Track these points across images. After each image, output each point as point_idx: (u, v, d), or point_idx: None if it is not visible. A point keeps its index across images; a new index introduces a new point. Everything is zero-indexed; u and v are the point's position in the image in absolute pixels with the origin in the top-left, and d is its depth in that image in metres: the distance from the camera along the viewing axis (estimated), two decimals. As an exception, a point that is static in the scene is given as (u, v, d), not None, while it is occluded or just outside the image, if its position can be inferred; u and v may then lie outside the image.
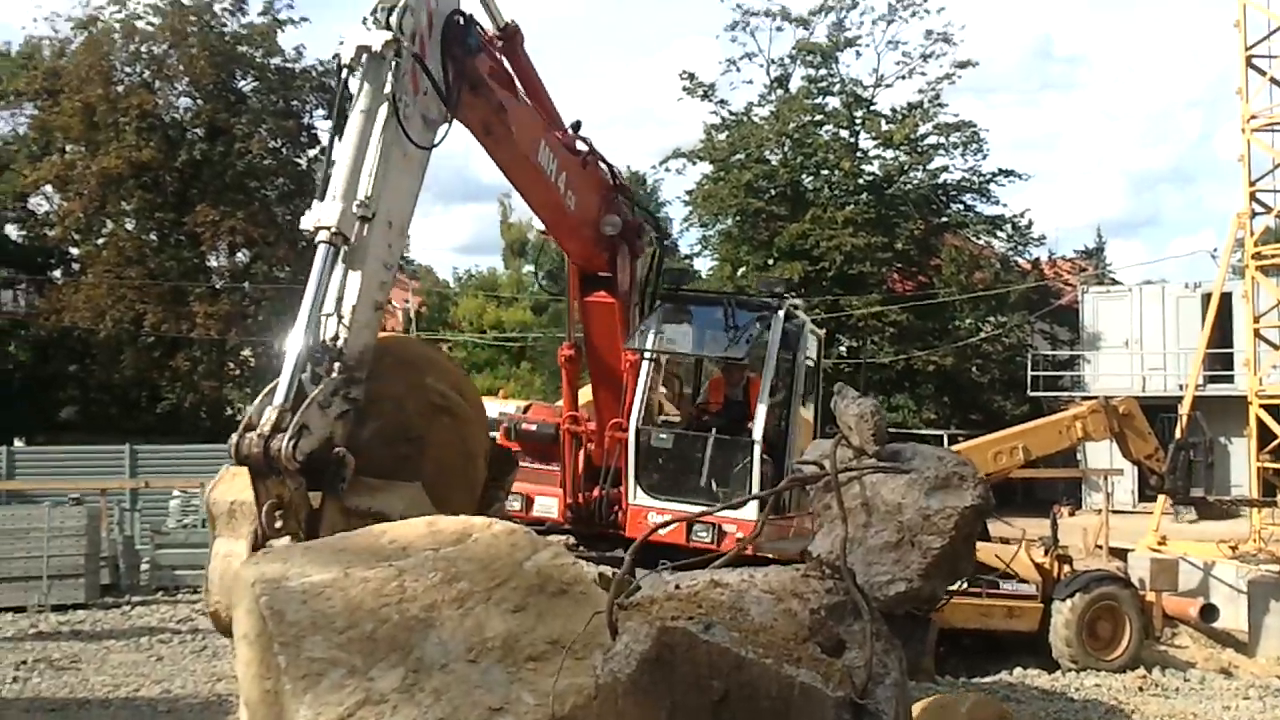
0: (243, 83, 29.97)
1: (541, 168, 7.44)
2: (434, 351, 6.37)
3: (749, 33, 33.58)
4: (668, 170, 36.33)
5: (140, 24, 28.33)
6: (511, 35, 7.30)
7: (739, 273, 33.38)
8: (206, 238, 28.41)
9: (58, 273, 31.83)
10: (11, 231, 32.37)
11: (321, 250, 5.26)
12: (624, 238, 8.88)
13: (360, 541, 5.53)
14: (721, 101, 34.49)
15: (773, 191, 33.33)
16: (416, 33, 5.64)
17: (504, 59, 7.17)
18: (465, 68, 6.10)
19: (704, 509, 9.21)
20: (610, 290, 9.09)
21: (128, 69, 28.87)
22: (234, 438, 5.08)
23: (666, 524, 7.40)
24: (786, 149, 33.64)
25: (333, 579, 5.07)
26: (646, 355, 9.49)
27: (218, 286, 29.25)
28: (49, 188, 30.05)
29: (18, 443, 27.64)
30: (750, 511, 8.87)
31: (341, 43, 5.52)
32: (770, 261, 32.86)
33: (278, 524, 5.07)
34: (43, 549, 14.14)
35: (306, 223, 5.29)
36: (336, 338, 5.22)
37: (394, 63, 5.45)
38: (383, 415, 5.35)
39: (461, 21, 6.03)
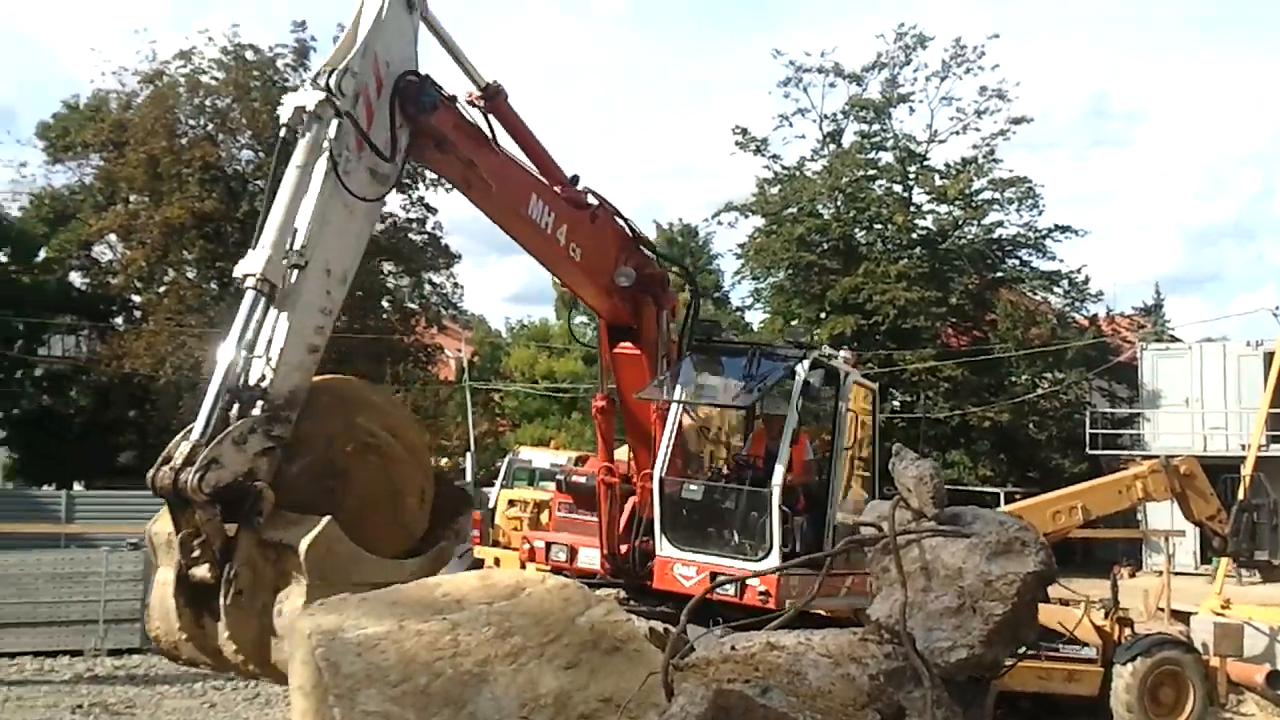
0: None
1: (533, 221, 7.70)
2: (373, 393, 6.41)
3: (802, 89, 33.82)
4: (720, 223, 36.55)
5: (204, 78, 29.06)
6: (494, 94, 7.58)
7: (791, 325, 33.33)
8: (265, 287, 28.85)
9: (120, 320, 32.48)
10: (76, 279, 33.12)
11: (248, 296, 5.57)
12: (646, 289, 9.02)
13: (414, 594, 5.56)
14: (774, 156, 34.69)
15: (825, 245, 33.33)
16: (359, 92, 5.93)
17: (489, 116, 7.49)
18: (421, 124, 6.40)
19: (741, 563, 9.18)
20: (635, 341, 9.27)
21: (192, 122, 29.58)
22: (151, 471, 5.30)
23: (720, 583, 7.38)
24: (839, 203, 33.68)
25: (387, 631, 5.09)
26: (656, 405, 9.59)
27: (275, 335, 29.66)
28: (113, 237, 30.76)
29: (77, 487, 28.10)
30: (772, 563, 8.91)
31: (281, 104, 5.88)
32: (822, 315, 32.80)
33: (194, 553, 5.20)
34: (100, 593, 14.32)
35: (237, 270, 5.57)
36: (263, 378, 5.45)
37: (333, 121, 5.73)
38: (312, 452, 5.53)
39: (416, 80, 6.31)
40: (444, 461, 36.84)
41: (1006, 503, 21.85)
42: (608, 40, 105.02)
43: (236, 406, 5.43)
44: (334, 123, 5.80)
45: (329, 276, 5.87)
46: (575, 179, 8.28)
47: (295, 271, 5.64)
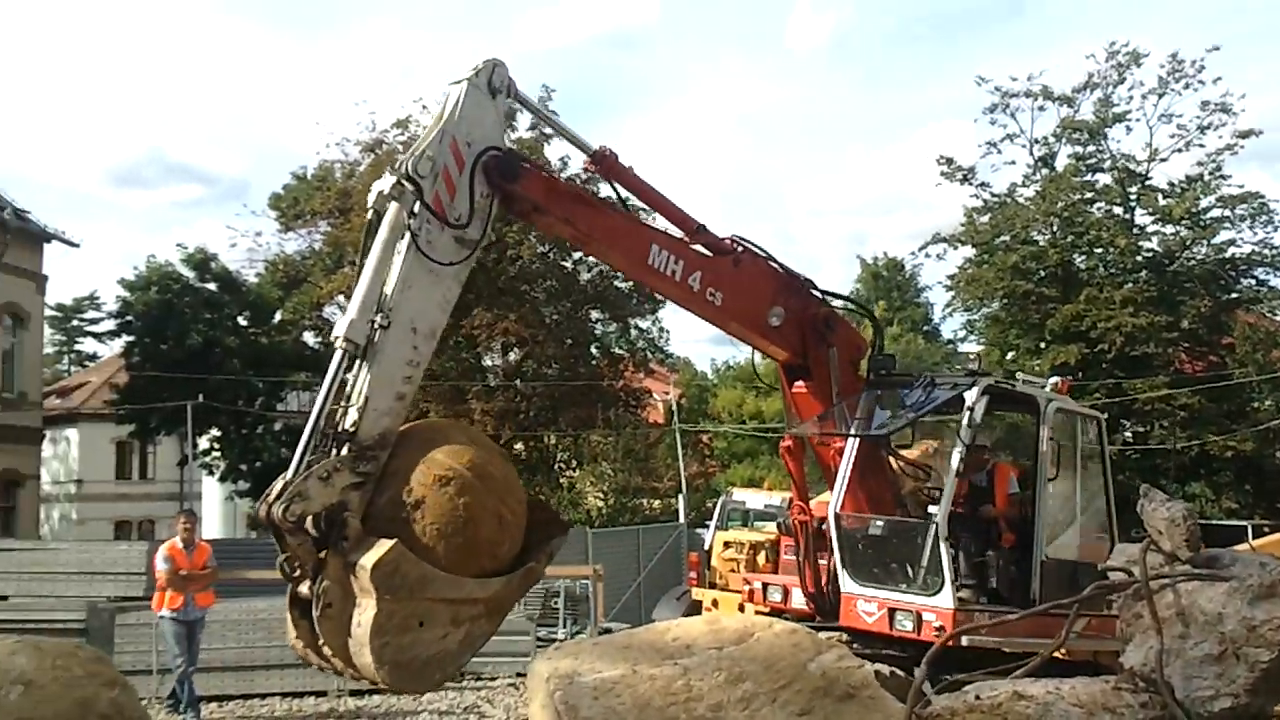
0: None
1: (657, 270, 8.18)
2: (458, 433, 6.84)
3: (1009, 114, 32.84)
4: (927, 255, 35.67)
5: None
6: (602, 159, 8.12)
7: (1008, 357, 32.21)
8: (482, 339, 29.95)
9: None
10: (309, 338, 35.24)
11: (336, 354, 6.31)
12: (810, 329, 9.18)
13: (645, 638, 5.63)
14: (983, 184, 33.74)
15: (1042, 272, 32.15)
16: (437, 172, 6.62)
17: (612, 177, 8.25)
18: (508, 192, 7.08)
19: (920, 598, 9.05)
20: (807, 380, 9.41)
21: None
22: (257, 504, 6.13)
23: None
24: (1055, 228, 32.43)
25: (621, 676, 5.18)
26: (834, 441, 9.71)
27: (493, 384, 30.71)
28: (341, 297, 32.57)
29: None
30: (946, 599, 8.81)
31: (369, 194, 6.71)
32: (1042, 344, 31.59)
33: (294, 573, 6.00)
34: (341, 636, 15.02)
35: (333, 334, 6.33)
36: (353, 423, 6.15)
37: (413, 199, 6.47)
38: (395, 485, 6.09)
39: (498, 153, 6.95)
40: (655, 504, 37.23)
41: (1255, 536, 20.37)
42: (803, 78, 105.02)
43: (326, 448, 6.15)
44: (413, 200, 6.52)
45: (415, 333, 6.48)
46: (701, 227, 8.67)
47: (380, 330, 6.33)
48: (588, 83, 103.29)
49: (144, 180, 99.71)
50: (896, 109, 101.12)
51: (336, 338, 6.36)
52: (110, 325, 44.26)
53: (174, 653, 11.97)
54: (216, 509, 43.82)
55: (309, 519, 5.96)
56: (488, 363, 32.44)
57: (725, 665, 5.29)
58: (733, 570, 16.34)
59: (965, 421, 9.31)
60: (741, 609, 14.17)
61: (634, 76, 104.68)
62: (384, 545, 5.84)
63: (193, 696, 12.25)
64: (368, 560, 5.80)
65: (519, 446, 32.74)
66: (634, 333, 32.90)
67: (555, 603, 18.56)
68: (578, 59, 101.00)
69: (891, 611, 9.07)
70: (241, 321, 37.72)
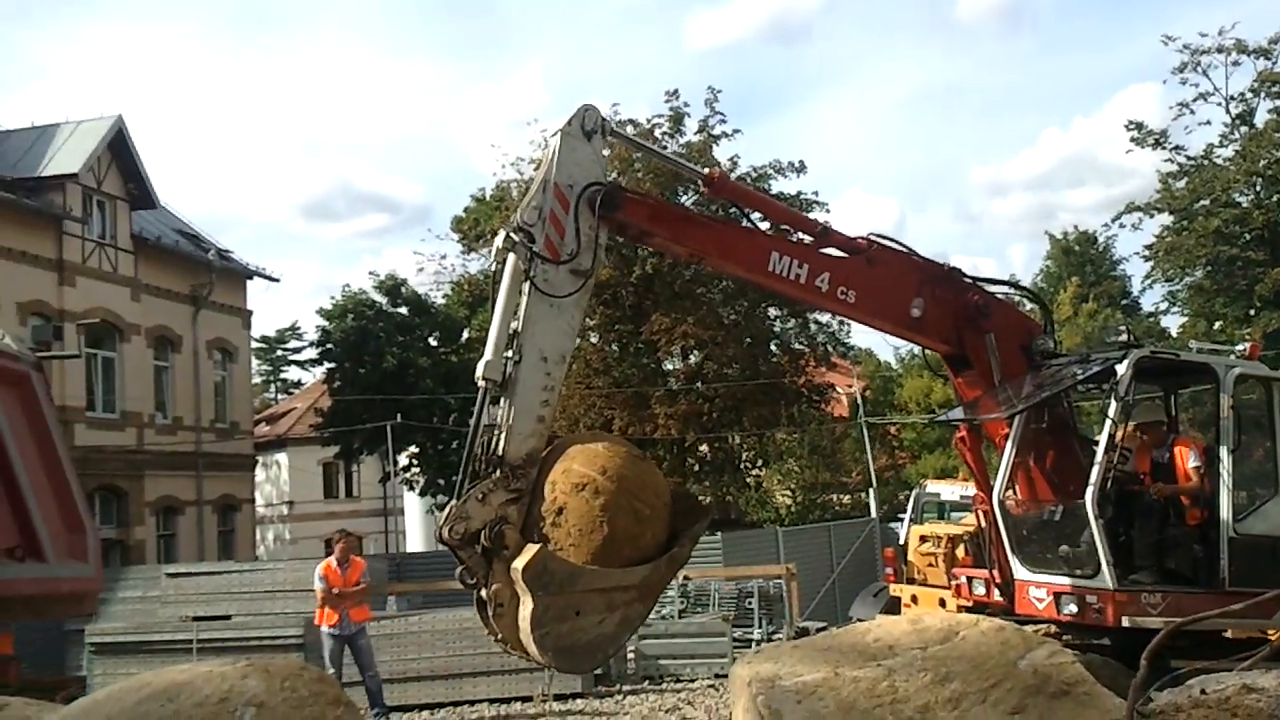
0: (684, 198, 31.86)
1: (781, 275, 8.34)
2: (593, 442, 7.30)
3: (1201, 72, 31.12)
4: (1121, 226, 34.12)
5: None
6: (712, 180, 8.61)
7: (1215, 326, 30.49)
8: (662, 344, 30.14)
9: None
10: (496, 353, 36.16)
11: (480, 392, 6.99)
12: (964, 316, 9.13)
13: (846, 640, 5.54)
14: (1176, 147, 32.08)
15: (1247, 236, 30.32)
16: (545, 218, 7.18)
17: (725, 197, 8.92)
18: (613, 221, 7.52)
19: (1082, 581, 8.84)
20: (968, 369, 9.35)
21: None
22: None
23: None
24: (1259, 189, 30.55)
25: (823, 679, 5.10)
26: (1001, 426, 9.60)
27: (675, 388, 30.88)
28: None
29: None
30: (1105, 580, 8.63)
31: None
32: (1251, 312, 29.78)
33: (470, 581, 6.78)
34: (542, 642, 15.35)
35: (475, 374, 7.00)
36: (502, 448, 6.83)
37: (524, 249, 7.06)
38: (544, 496, 6.79)
39: (598, 187, 7.39)
40: (845, 499, 36.70)
41: None
42: (974, 53, 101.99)
43: (483, 473, 6.85)
44: (525, 249, 7.11)
45: (545, 361, 7.06)
46: (826, 229, 8.86)
47: (514, 365, 6.98)
48: (755, 78, 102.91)
49: (334, 213, 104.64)
50: (1077, 76, 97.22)
51: (478, 378, 7.04)
52: (312, 353, 46.71)
53: (328, 667, 12.51)
54: (418, 523, 45.44)
55: (475, 534, 6.72)
56: (668, 367, 32.62)
57: (931, 665, 5.16)
58: (930, 565, 15.94)
59: (1114, 395, 9.02)
60: (942, 604, 13.84)
61: (801, 67, 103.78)
62: (531, 549, 6.57)
63: (379, 700, 12.92)
64: (519, 563, 6.53)
65: (703, 448, 32.81)
66: (813, 327, 32.52)
67: (750, 603, 18.48)
68: (745, 55, 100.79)
69: (1057, 596, 9.00)
70: (432, 342, 39.11)
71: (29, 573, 8.97)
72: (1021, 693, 5.24)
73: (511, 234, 7.19)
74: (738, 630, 17.33)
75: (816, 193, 32.32)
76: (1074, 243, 55.74)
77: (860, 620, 9.69)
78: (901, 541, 18.44)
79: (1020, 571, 9.42)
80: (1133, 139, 32.23)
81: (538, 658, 6.75)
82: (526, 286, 7.11)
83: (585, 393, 30.05)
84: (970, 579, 10.53)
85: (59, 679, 14.39)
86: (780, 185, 31.83)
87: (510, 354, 7.05)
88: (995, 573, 9.79)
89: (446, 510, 6.81)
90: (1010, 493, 9.62)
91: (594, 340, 32.34)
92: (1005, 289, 10.19)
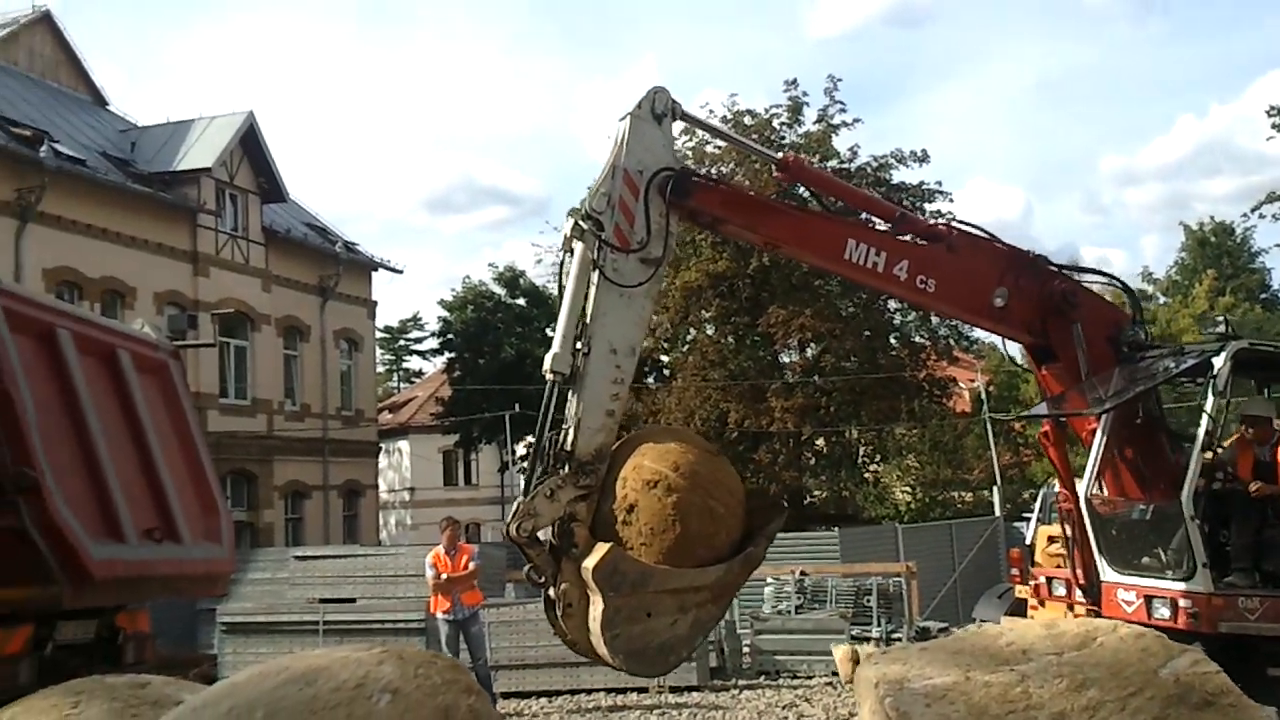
0: (803, 189, 31.55)
1: (857, 264, 8.02)
2: (665, 436, 7.08)
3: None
4: (1261, 216, 32.75)
5: (709, 148, 30.88)
6: (787, 165, 8.42)
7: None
8: (779, 336, 29.92)
9: (651, 379, 35.20)
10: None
11: (548, 385, 6.78)
12: (1050, 305, 8.68)
13: (978, 643, 5.39)
14: (1321, 133, 30.60)
15: (1398, 227, 28.77)
16: (614, 205, 6.94)
17: (801, 182, 9.01)
18: (684, 208, 7.30)
19: (1173, 584, 8.44)
20: (1053, 362, 8.94)
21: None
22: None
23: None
24: None
25: (954, 682, 4.97)
26: (1089, 421, 9.18)
27: (791, 381, 30.63)
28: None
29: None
30: (1200, 583, 8.22)
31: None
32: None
33: (540, 580, 6.63)
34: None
35: (544, 367, 6.79)
36: (571, 443, 6.64)
37: (593, 237, 6.83)
38: (613, 494, 6.59)
39: (669, 173, 7.13)
40: (967, 497, 35.94)
41: None
42: (1104, 38, 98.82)
43: (551, 469, 6.67)
44: (595, 238, 6.88)
45: (615, 354, 6.83)
46: (904, 215, 8.60)
47: (584, 357, 6.75)
48: (876, 66, 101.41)
49: (455, 206, 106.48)
50: (1213, 61, 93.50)
51: (546, 371, 6.82)
52: (433, 343, 47.66)
53: (446, 652, 12.65)
54: (535, 512, 45.88)
55: (545, 532, 6.59)
56: (785, 359, 32.38)
57: (1067, 672, 4.98)
58: (1059, 566, 15.48)
59: (1210, 389, 8.58)
60: (1070, 608, 13.42)
61: (923, 53, 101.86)
62: (602, 549, 6.37)
63: (488, 688, 13.02)
64: (589, 563, 6.35)
65: (820, 443, 32.48)
66: (935, 320, 31.92)
67: (868, 600, 18.22)
68: (865, 42, 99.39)
69: (1148, 599, 8.56)
70: (549, 333, 39.50)
71: (166, 553, 9.29)
72: (1163, 703, 5.04)
73: (580, 221, 6.95)
74: (855, 628, 17.10)
75: (940, 182, 31.72)
76: (1210, 234, 53.57)
77: (984, 622, 9.44)
78: (1028, 542, 17.95)
79: (1108, 573, 9.01)
80: (1274, 125, 30.96)
81: (608, 660, 6.57)
82: (595, 276, 6.89)
83: (701, 385, 30.01)
84: (1050, 580, 10.22)
85: (192, 656, 14.95)
86: (902, 175, 31.32)
87: (579, 346, 6.83)
88: (1079, 573, 9.37)
89: (515, 507, 6.65)
90: (1098, 491, 9.20)
91: (710, 332, 32.27)
92: (1093, 277, 9.77)
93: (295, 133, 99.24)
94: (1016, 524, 24.17)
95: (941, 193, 31.40)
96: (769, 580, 19.02)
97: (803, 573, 18.71)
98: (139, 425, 9.50)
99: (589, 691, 14.83)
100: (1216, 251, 52.51)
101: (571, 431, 6.72)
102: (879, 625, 17.68)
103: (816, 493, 34.52)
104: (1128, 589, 8.81)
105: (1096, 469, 9.12)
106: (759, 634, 16.43)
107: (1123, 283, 9.96)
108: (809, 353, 31.70)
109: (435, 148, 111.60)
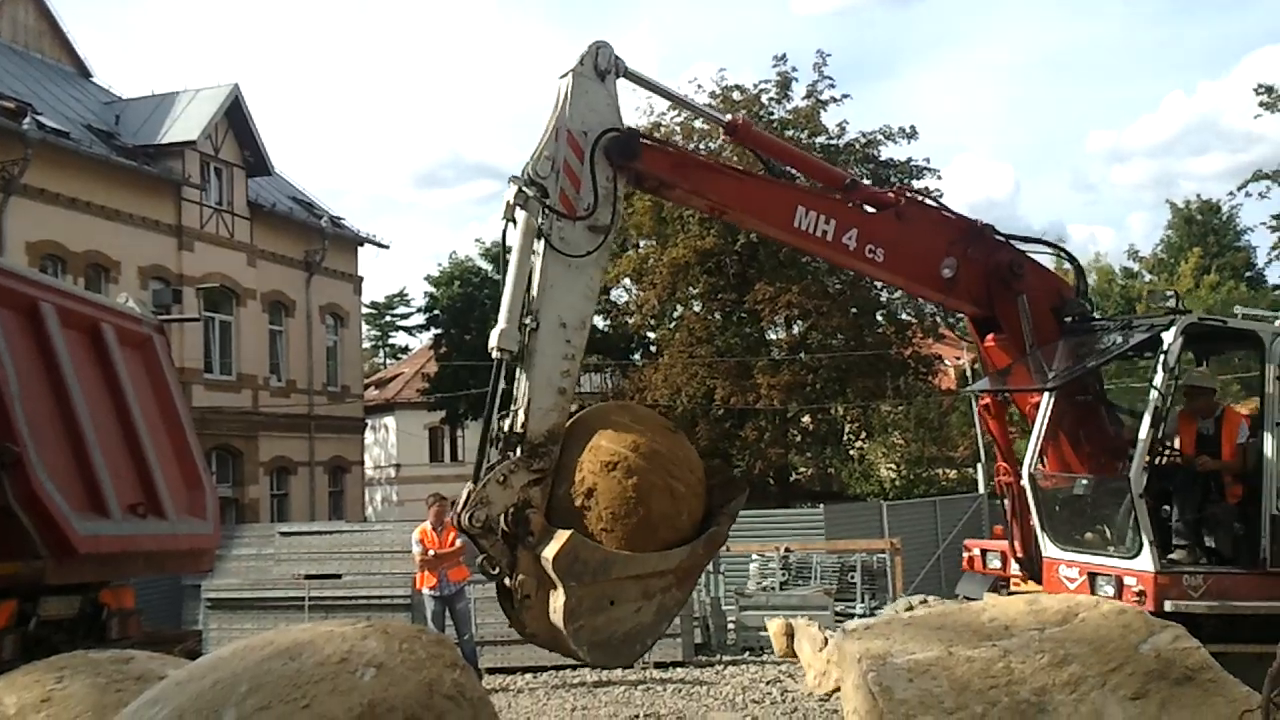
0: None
1: (806, 232, 7.85)
2: (620, 415, 6.78)
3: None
4: (1247, 194, 32.90)
5: (697, 123, 30.78)
6: (735, 128, 8.19)
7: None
8: (765, 313, 29.94)
9: (638, 356, 35.19)
10: (598, 321, 36.38)
11: (495, 364, 6.46)
12: (995, 276, 8.61)
13: (960, 618, 5.42)
14: (1308, 112, 30.67)
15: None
16: (558, 169, 6.65)
17: (749, 145, 8.53)
18: (631, 170, 7.01)
19: (1121, 562, 8.36)
20: (998, 333, 8.85)
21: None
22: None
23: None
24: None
25: (936, 657, 5.00)
26: (1032, 396, 9.13)
27: (778, 358, 30.67)
28: (627, 280, 33.39)
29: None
30: (1145, 561, 8.13)
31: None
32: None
33: (494, 571, 6.33)
34: (644, 610, 15.45)
35: (489, 344, 6.48)
36: (521, 424, 6.38)
37: (537, 204, 6.51)
38: (569, 477, 6.33)
39: (615, 134, 6.84)
40: (951, 474, 36.08)
41: None
42: (1098, 16, 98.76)
43: (501, 453, 6.41)
44: (538, 204, 6.57)
45: (565, 328, 6.55)
46: (854, 181, 8.47)
47: (531, 333, 6.48)
48: (865, 41, 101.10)
49: (443, 180, 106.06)
50: (1203, 38, 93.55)
51: (492, 349, 6.52)
52: (419, 319, 47.43)
53: (431, 627, 12.66)
54: (521, 488, 45.92)
55: (499, 519, 6.30)
56: (772, 336, 32.40)
57: (1049, 647, 5.03)
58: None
59: (1160, 364, 8.45)
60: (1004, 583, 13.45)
61: (913, 29, 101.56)
62: (561, 536, 6.11)
63: (473, 664, 13.02)
64: (549, 552, 6.09)
65: (806, 420, 32.55)
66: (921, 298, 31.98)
67: (852, 577, 18.33)
68: (854, 17, 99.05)
69: (1092, 576, 8.48)
70: (535, 308, 39.44)
71: (150, 529, 9.25)
72: (1143, 678, 5.09)
73: (523, 188, 6.57)
74: (840, 604, 17.20)
75: (928, 159, 31.80)
76: (1196, 212, 53.75)
77: (968, 599, 9.44)
78: (1011, 518, 18.06)
79: (1050, 549, 8.92)
80: (1261, 103, 31.08)
81: (572, 651, 6.37)
82: (541, 246, 6.59)
83: (688, 362, 30.03)
84: (984, 552, 10.06)
85: (177, 633, 14.90)
86: (890, 151, 31.29)
87: (527, 321, 6.53)
88: (1015, 545, 9.35)
89: (464, 495, 6.35)
90: (1040, 465, 9.10)
91: (697, 309, 32.27)
92: (1038, 247, 9.56)
93: (281, 106, 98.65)
94: (1000, 500, 24.29)
95: (930, 169, 31.43)
96: (754, 556, 19.12)
97: (787, 549, 18.81)
98: (123, 400, 9.45)
99: (574, 667, 14.86)
100: (1203, 229, 52.71)
101: (522, 413, 6.46)
102: (863, 602, 17.78)
103: (802, 469, 34.65)
104: (1070, 565, 8.71)
105: (1040, 443, 9.01)
106: (744, 610, 16.52)
107: (1068, 253, 9.75)
108: (796, 329, 31.74)
109: (423, 121, 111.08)
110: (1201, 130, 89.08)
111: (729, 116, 8.51)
